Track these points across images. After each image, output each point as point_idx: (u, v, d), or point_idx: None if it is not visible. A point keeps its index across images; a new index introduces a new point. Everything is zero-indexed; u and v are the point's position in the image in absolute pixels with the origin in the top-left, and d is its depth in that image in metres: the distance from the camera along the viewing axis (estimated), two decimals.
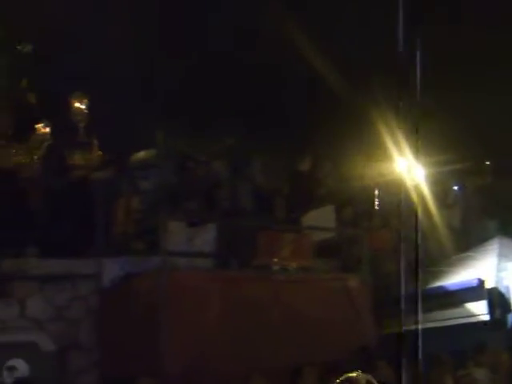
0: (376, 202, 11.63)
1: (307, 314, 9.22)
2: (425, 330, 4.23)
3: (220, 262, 9.89)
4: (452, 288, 9.78)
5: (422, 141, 4.44)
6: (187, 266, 9.56)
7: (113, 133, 11.14)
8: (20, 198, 10.06)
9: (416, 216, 4.35)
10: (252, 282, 9.21)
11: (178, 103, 12.59)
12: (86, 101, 11.82)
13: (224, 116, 12.08)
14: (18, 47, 12.08)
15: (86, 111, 11.74)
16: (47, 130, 11.67)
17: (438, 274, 10.10)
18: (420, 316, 4.22)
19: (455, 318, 9.55)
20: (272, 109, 12.99)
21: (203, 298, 8.78)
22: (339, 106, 12.80)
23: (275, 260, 9.68)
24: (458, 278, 9.97)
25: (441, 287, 9.86)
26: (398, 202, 4.38)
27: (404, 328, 4.16)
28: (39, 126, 11.70)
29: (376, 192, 11.67)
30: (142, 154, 10.61)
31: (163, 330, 8.58)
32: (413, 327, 4.24)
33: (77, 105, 11.89)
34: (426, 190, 7.93)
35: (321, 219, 10.57)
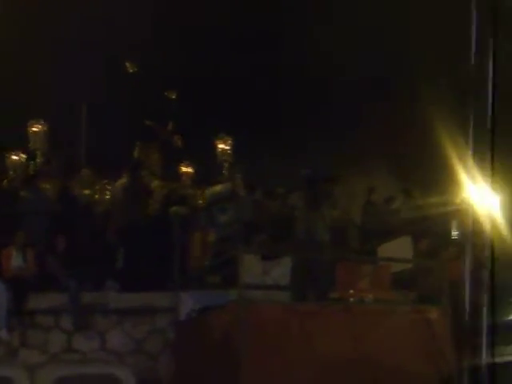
0: (453, 232, 11.46)
1: (386, 347, 9.08)
2: (507, 363, 4.13)
3: (296, 295, 9.86)
4: None
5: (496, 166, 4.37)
6: (263, 299, 9.55)
7: None
8: (100, 234, 10.29)
9: (491, 245, 4.29)
10: (330, 314, 9.12)
11: (258, 137, 12.93)
12: (229, 142, 12.75)
13: (301, 149, 12.26)
14: (165, 93, 12.96)
15: (230, 152, 12.66)
16: (189, 169, 12.55)
17: None
18: (489, 349, 4.12)
19: None
20: (348, 141, 13.07)
21: (282, 330, 8.73)
22: (412, 136, 12.71)
23: (352, 292, 9.59)
24: None
25: None
26: (470, 230, 4.33)
27: (483, 360, 4.07)
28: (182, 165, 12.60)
29: (452, 221, 11.51)
30: (218, 188, 10.73)
31: (242, 364, 8.56)
32: (491, 360, 4.15)
33: (221, 146, 12.83)
34: (499, 217, 7.74)
35: (397, 250, 10.45)
